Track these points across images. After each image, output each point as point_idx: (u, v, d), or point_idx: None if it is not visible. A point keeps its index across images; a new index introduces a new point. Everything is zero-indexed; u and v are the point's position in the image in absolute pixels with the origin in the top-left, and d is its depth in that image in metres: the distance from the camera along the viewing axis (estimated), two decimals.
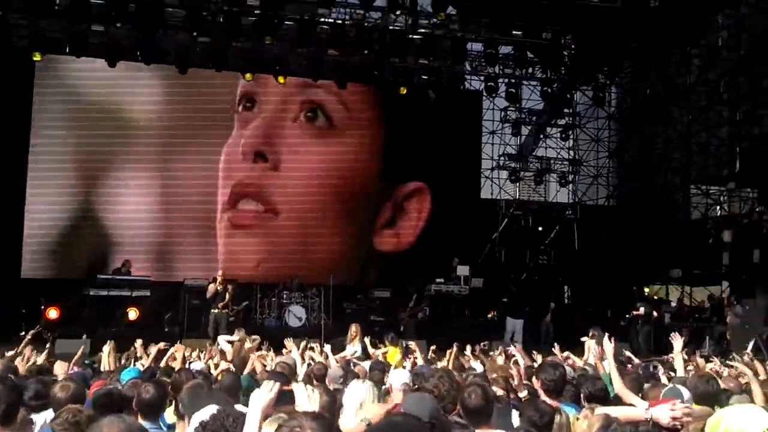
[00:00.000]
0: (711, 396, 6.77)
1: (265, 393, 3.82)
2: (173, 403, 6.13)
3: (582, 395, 7.04)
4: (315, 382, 8.18)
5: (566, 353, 12.37)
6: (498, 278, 27.94)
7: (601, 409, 5.76)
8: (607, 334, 7.99)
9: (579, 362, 11.02)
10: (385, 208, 28.29)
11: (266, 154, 27.12)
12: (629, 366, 11.83)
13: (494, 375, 8.53)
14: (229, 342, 13.26)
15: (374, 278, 27.52)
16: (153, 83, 26.79)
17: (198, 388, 5.91)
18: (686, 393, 6.29)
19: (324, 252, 27.53)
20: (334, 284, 24.59)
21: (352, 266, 27.81)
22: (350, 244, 28.02)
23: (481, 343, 17.10)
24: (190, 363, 11.08)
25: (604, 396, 7.07)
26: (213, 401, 4.84)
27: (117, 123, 26.53)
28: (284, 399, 4.40)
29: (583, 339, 12.12)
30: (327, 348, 12.08)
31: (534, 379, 7.46)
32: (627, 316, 24.18)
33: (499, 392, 7.16)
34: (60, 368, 10.42)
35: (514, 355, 11.49)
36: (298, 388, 4.59)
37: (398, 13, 26.26)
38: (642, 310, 24.08)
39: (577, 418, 6.63)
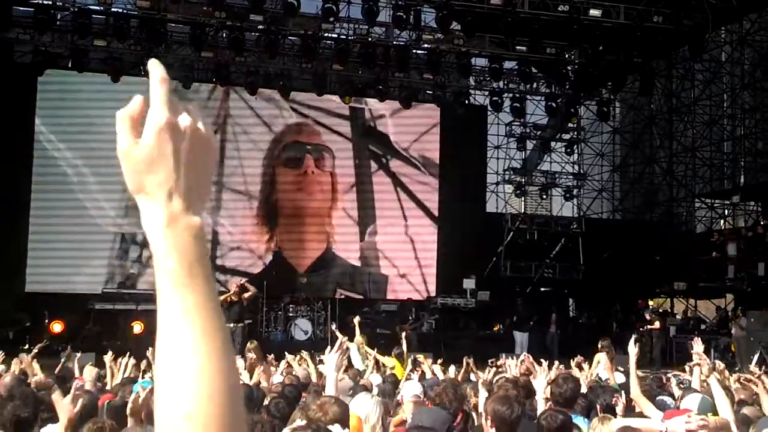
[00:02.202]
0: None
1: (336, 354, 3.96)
2: None
3: (598, 406, 7.04)
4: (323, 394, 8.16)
5: (578, 358, 12.39)
6: (504, 291, 27.96)
7: (618, 421, 5.77)
8: (634, 337, 8.04)
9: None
10: None
11: None
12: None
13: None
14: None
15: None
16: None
17: None
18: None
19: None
20: (340, 298, 24.64)
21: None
22: None
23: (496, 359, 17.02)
24: None
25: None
26: None
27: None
28: None
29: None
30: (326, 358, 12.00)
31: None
32: (641, 329, 24.14)
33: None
34: (89, 374, 10.50)
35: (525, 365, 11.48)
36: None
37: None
38: (657, 324, 24.17)
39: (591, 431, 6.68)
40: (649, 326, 24.29)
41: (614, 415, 6.39)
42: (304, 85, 27.71)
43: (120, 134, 1.24)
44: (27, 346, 14.89)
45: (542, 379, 7.35)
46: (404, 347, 13.99)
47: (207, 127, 1.28)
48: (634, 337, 8.15)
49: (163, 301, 1.22)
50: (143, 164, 1.23)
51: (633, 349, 7.67)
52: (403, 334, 16.07)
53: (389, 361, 13.62)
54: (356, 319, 15.94)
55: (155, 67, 1.27)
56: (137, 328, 22.14)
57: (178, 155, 1.23)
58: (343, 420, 4.86)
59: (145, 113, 1.24)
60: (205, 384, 1.18)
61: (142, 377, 11.55)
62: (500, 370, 12.31)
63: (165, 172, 1.22)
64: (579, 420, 6.66)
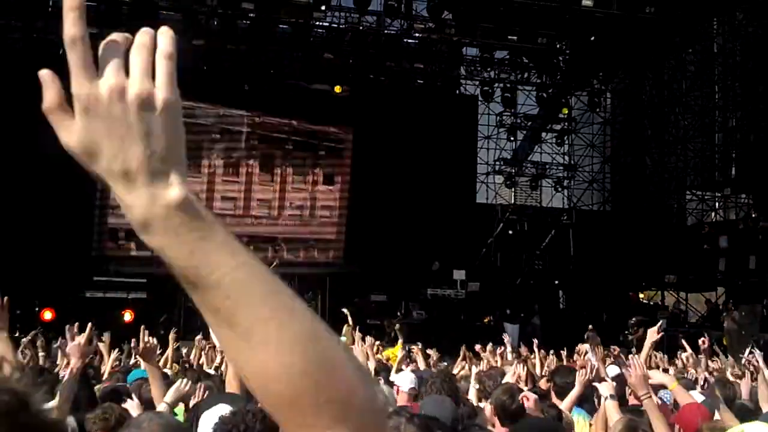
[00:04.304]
0: (728, 401, 6.70)
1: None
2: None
3: (595, 401, 6.88)
4: None
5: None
6: (494, 283, 27.87)
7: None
8: (660, 323, 8.03)
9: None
10: None
11: None
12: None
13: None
14: None
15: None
16: None
17: (208, 389, 5.94)
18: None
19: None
20: (330, 288, 24.51)
21: None
22: None
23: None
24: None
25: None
26: (223, 401, 4.79)
27: None
28: None
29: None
30: None
31: (545, 381, 7.53)
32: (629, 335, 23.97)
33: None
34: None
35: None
36: None
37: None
38: (662, 323, 24.04)
39: (590, 424, 6.57)
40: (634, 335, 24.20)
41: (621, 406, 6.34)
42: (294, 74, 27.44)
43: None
44: (17, 335, 14.69)
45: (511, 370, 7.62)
46: (400, 339, 13.94)
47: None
48: (660, 323, 8.10)
49: (210, 304, 1.10)
50: (86, 151, 1.08)
51: (654, 335, 7.61)
52: (396, 327, 16.00)
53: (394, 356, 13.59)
54: (346, 310, 15.85)
55: (165, 38, 1.13)
56: (128, 316, 22.25)
57: (123, 127, 1.07)
58: None
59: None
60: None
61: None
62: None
63: (112, 153, 1.07)
64: (580, 412, 6.76)
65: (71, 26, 1.13)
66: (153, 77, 1.09)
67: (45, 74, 1.09)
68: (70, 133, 1.07)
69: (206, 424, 4.31)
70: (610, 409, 5.97)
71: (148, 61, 1.09)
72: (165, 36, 1.12)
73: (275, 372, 1.07)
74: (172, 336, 12.56)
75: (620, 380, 7.05)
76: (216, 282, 1.07)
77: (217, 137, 26.59)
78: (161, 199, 1.07)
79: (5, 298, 5.27)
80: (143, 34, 1.12)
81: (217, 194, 26.89)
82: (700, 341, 9.56)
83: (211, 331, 1.21)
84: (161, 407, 5.15)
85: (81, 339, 5.48)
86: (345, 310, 15.84)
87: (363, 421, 1.09)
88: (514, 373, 7.53)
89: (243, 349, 1.08)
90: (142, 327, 6.69)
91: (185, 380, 5.54)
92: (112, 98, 1.07)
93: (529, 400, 5.86)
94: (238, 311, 1.07)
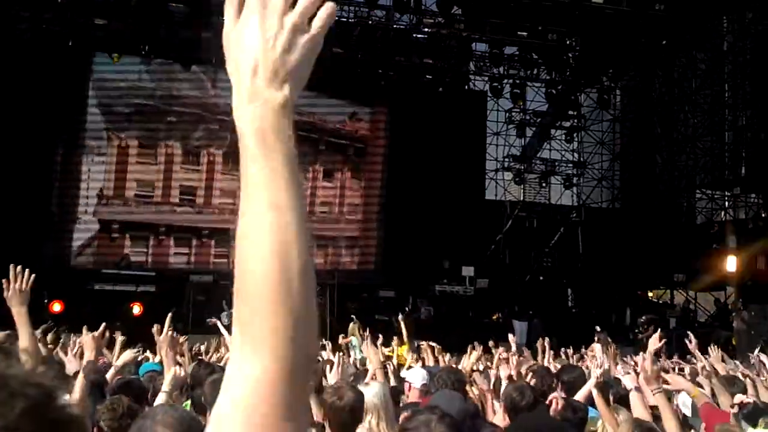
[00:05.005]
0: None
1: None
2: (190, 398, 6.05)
3: (612, 398, 6.81)
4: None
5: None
6: (503, 279, 27.83)
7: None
8: (659, 332, 7.95)
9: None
10: None
11: None
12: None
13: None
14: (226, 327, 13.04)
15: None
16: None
17: (220, 382, 5.86)
18: None
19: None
20: (338, 282, 24.45)
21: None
22: None
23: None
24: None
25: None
26: None
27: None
28: None
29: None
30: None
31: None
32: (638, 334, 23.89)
33: None
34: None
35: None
36: None
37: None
38: (673, 321, 24.11)
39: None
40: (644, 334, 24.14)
41: (628, 404, 6.22)
42: None
43: (226, 17, 1.33)
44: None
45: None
46: (405, 337, 13.90)
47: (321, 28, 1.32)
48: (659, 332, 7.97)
49: (242, 178, 1.24)
50: (237, 42, 1.31)
51: (655, 341, 7.50)
52: (402, 325, 15.92)
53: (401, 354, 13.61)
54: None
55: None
56: (136, 309, 22.23)
57: (273, 35, 1.28)
58: (358, 406, 4.85)
59: None
60: (266, 259, 1.18)
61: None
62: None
63: (254, 49, 1.28)
64: (591, 411, 6.63)
65: None
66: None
67: None
68: (230, 24, 1.32)
69: None
70: (634, 400, 5.97)
71: (314, 4, 1.31)
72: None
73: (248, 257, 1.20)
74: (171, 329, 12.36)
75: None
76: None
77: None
78: (271, 96, 1.25)
79: (31, 276, 4.83)
80: None
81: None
82: (686, 341, 9.47)
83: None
84: (160, 397, 5.21)
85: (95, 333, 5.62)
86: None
87: (292, 354, 1.16)
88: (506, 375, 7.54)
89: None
90: (170, 315, 6.99)
91: (179, 368, 5.62)
92: (275, 10, 1.29)
93: (558, 403, 5.86)
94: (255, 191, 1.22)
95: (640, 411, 5.79)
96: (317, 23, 1.30)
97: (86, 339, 5.60)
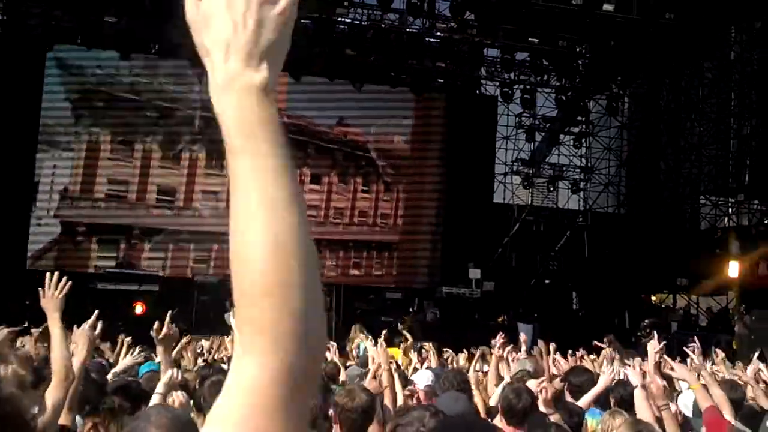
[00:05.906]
0: (736, 403, 6.62)
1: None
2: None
3: (612, 400, 6.89)
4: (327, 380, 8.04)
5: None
6: (509, 282, 28.09)
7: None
8: (655, 335, 8.03)
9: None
10: None
11: None
12: None
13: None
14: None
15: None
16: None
17: (219, 384, 5.87)
18: None
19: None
20: (345, 284, 24.67)
21: None
22: None
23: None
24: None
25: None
26: None
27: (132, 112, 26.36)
28: None
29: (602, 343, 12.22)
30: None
31: (558, 381, 7.56)
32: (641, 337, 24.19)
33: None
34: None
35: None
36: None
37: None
38: (674, 326, 24.37)
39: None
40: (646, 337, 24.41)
41: (629, 407, 6.16)
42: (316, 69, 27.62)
43: (186, 2, 1.26)
44: (26, 324, 14.82)
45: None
46: (409, 338, 14.07)
47: None
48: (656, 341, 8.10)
49: (230, 176, 1.18)
50: (201, 21, 1.24)
51: (655, 345, 7.55)
52: (402, 326, 16.09)
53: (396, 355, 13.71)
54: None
55: None
56: (139, 308, 21.87)
57: (241, 13, 1.22)
58: (371, 408, 4.85)
59: None
60: (259, 253, 1.13)
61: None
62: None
63: (223, 28, 1.22)
64: (594, 413, 6.66)
65: None
66: None
67: None
68: (193, 9, 1.25)
69: None
70: (638, 398, 5.90)
71: None
72: None
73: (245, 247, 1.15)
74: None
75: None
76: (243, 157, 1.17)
77: None
78: (248, 78, 1.19)
79: (67, 283, 5.07)
80: None
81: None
82: (688, 350, 9.36)
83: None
84: (154, 398, 5.09)
85: (85, 325, 5.49)
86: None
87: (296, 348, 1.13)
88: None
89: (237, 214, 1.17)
90: (170, 314, 6.68)
91: (175, 370, 5.44)
92: None
93: (547, 393, 5.87)
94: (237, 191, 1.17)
95: (644, 409, 5.73)
96: None
97: (78, 333, 5.44)
